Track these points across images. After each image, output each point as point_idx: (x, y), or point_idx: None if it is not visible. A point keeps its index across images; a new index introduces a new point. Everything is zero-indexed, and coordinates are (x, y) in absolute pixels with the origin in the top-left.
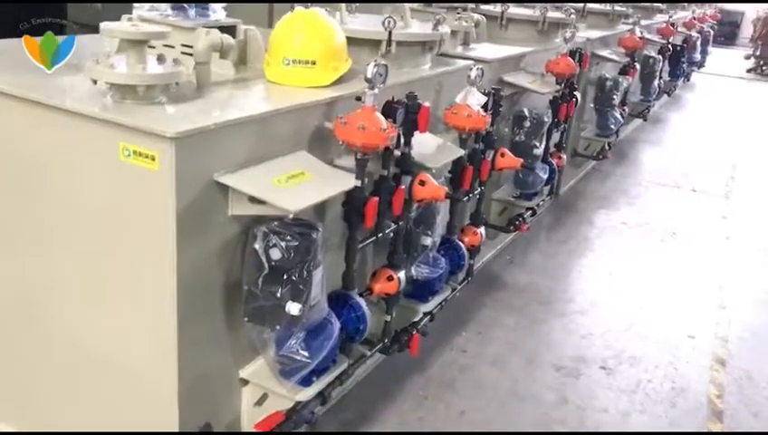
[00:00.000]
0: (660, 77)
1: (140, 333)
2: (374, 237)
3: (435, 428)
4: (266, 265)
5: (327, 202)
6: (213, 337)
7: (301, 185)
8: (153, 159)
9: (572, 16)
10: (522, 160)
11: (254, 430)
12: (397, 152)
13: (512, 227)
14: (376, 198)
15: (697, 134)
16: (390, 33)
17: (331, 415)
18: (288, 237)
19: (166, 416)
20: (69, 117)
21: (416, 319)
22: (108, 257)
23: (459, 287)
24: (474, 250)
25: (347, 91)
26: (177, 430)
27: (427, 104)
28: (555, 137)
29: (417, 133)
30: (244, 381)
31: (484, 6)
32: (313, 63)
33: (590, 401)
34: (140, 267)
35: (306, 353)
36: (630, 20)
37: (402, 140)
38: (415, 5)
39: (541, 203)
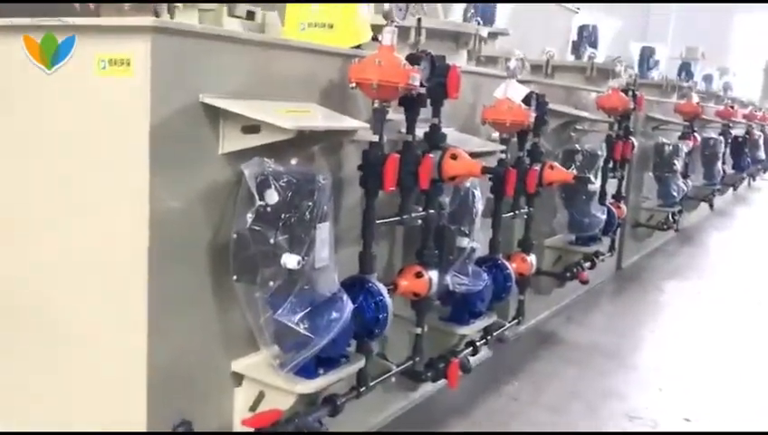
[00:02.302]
0: (723, 162)
1: (102, 294)
2: (398, 217)
3: None
4: (258, 201)
5: (343, 183)
6: (196, 311)
7: (304, 116)
8: (128, 63)
9: (623, 64)
10: (573, 173)
11: (243, 430)
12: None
13: (568, 275)
14: (396, 155)
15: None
16: (420, 20)
17: None
18: (287, 176)
19: (131, 403)
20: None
21: (454, 343)
22: (74, 197)
23: (509, 325)
24: (523, 281)
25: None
26: (144, 422)
27: (457, 65)
28: (613, 186)
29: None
30: (238, 379)
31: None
32: (331, 27)
33: None
34: (107, 207)
35: (306, 326)
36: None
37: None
38: None
39: (600, 256)
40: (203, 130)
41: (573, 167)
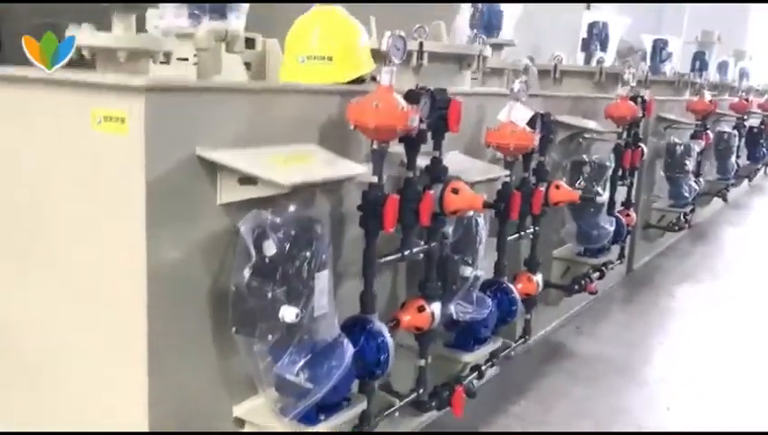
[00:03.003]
0: (738, 156)
1: (101, 343)
2: (399, 254)
3: None
4: (255, 255)
5: (345, 218)
6: (197, 357)
7: (301, 165)
8: (123, 121)
9: (631, 68)
10: (579, 193)
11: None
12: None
13: (576, 287)
14: (396, 196)
15: None
16: (422, 44)
17: None
18: (284, 227)
19: None
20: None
21: (459, 370)
22: (75, 254)
23: (515, 345)
24: (530, 301)
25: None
26: None
27: (458, 99)
28: (622, 193)
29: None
30: (241, 423)
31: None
32: (330, 59)
33: None
34: (105, 263)
35: (307, 376)
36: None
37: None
38: None
39: (610, 265)
40: (200, 182)
41: (581, 178)
